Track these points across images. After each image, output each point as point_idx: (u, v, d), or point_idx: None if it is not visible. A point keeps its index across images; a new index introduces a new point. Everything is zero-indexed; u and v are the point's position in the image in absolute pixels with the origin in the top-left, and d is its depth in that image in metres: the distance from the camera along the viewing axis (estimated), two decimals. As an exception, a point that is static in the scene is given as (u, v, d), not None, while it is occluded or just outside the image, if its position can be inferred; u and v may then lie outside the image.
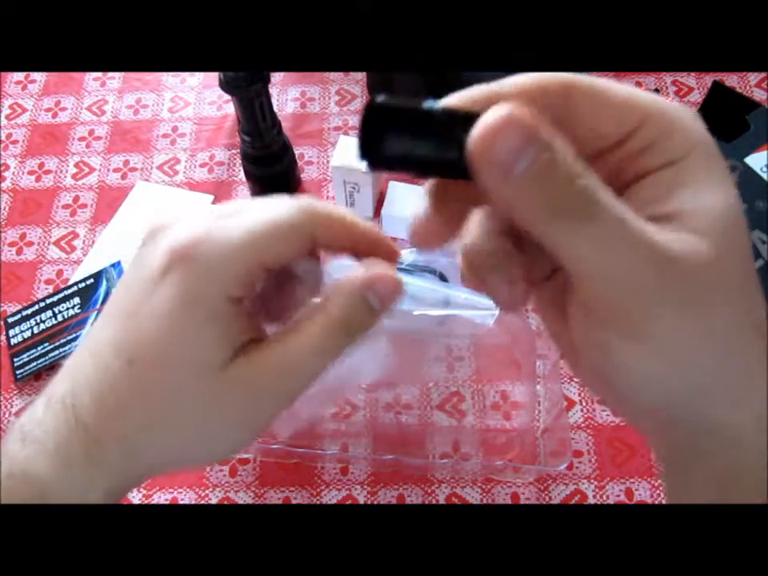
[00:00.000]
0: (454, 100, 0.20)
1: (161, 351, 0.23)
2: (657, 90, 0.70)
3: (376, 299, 0.23)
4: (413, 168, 0.19)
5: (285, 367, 0.24)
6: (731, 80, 0.72)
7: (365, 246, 0.25)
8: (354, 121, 0.71)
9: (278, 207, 0.24)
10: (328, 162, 0.68)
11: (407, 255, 0.57)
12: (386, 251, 0.25)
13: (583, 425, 0.54)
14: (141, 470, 0.25)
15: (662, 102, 0.20)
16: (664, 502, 0.51)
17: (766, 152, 0.54)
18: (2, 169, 0.70)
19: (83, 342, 0.25)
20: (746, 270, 0.20)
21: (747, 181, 0.53)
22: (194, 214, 0.25)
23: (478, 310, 0.51)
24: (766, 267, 0.50)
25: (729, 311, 0.19)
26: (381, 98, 0.18)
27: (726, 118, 0.58)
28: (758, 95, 0.70)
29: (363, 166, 0.19)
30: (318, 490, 0.53)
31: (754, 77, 0.72)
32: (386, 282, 0.24)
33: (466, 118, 0.18)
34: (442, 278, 0.55)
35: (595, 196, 0.18)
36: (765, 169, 0.53)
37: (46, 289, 0.63)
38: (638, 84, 0.69)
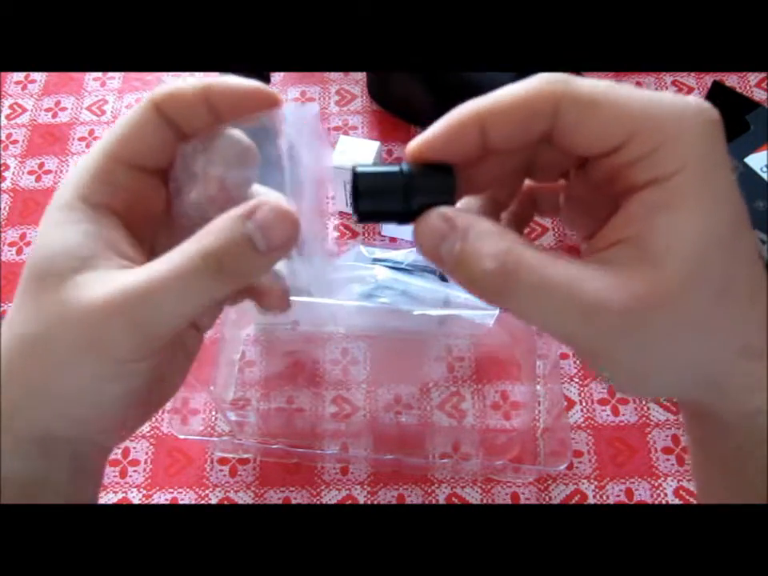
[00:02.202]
0: (419, 147, 0.22)
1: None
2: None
3: (259, 234, 0.20)
4: (388, 219, 0.22)
5: (134, 294, 0.20)
6: (731, 80, 0.72)
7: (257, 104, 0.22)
8: (354, 120, 0.71)
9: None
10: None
11: (408, 255, 0.57)
12: (270, 99, 0.23)
13: (583, 425, 0.54)
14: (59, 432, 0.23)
15: (660, 111, 0.19)
16: (664, 502, 0.51)
17: (765, 152, 0.54)
18: (1, 169, 0.70)
19: None
20: (722, 296, 0.19)
21: (747, 181, 0.53)
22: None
23: (478, 310, 0.51)
24: (765, 266, 0.50)
25: (689, 347, 0.20)
26: (359, 168, 0.22)
27: (726, 118, 0.58)
28: (758, 95, 0.70)
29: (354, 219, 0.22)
30: (318, 490, 0.53)
31: (753, 77, 0.72)
32: (272, 212, 0.20)
33: (425, 173, 0.22)
34: (442, 278, 0.55)
35: (509, 271, 0.19)
36: (765, 169, 0.53)
37: (46, 289, 0.63)
38: (638, 84, 0.69)
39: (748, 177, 0.53)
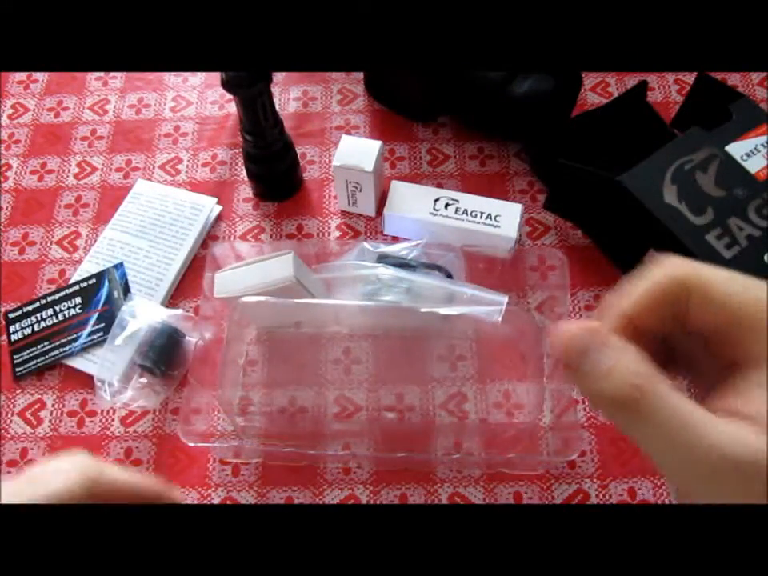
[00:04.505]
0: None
1: None
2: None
3: None
4: None
5: None
6: (733, 78, 0.72)
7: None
8: (356, 120, 0.71)
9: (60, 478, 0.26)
10: (330, 161, 0.68)
11: (412, 250, 0.57)
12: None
13: (586, 424, 0.54)
14: None
15: (756, 305, 0.21)
16: (667, 501, 0.51)
17: (745, 141, 0.55)
18: (4, 168, 0.70)
19: None
20: None
21: (727, 169, 0.54)
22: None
23: (484, 306, 0.51)
24: (742, 254, 0.51)
25: None
26: None
27: (709, 108, 0.59)
28: (760, 94, 0.70)
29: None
30: (321, 489, 0.53)
31: (756, 76, 0.72)
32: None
33: None
34: (448, 275, 0.55)
35: (650, 395, 0.21)
36: (745, 157, 0.55)
37: (48, 288, 0.63)
38: (641, 82, 0.69)
39: (728, 165, 0.54)
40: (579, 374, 0.22)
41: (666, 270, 0.23)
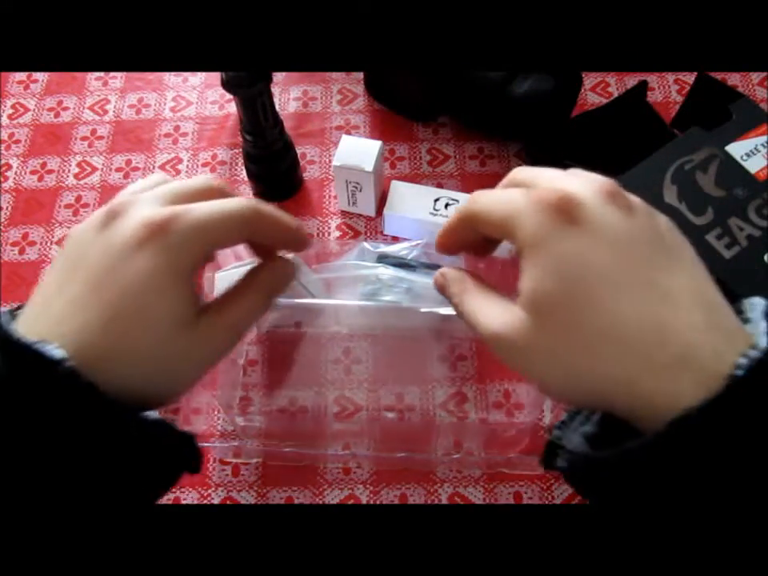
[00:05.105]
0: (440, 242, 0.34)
1: (143, 306, 0.27)
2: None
3: (286, 277, 0.34)
4: None
5: (234, 326, 0.31)
6: (733, 78, 0.72)
7: (289, 244, 0.33)
8: (356, 120, 0.71)
9: (233, 201, 0.30)
10: (330, 161, 0.68)
11: (412, 249, 0.57)
12: (301, 244, 0.33)
13: (586, 424, 0.54)
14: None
15: (517, 215, 0.28)
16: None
17: (745, 141, 0.55)
18: (4, 168, 0.70)
19: (46, 293, 0.29)
20: (569, 331, 0.26)
21: (727, 169, 0.54)
22: (151, 196, 0.30)
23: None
24: (742, 254, 0.51)
25: (556, 367, 0.27)
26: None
27: (710, 108, 0.59)
28: (760, 94, 0.70)
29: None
30: (321, 489, 0.53)
31: (756, 76, 0.72)
32: (290, 265, 0.34)
33: None
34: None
35: (461, 300, 0.31)
36: (745, 157, 0.55)
37: (49, 288, 0.63)
38: (641, 82, 0.69)
39: (728, 165, 0.54)
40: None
41: (463, 207, 0.32)
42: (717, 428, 0.22)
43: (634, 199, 0.28)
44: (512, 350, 0.28)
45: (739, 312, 0.26)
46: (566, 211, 0.26)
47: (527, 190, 0.28)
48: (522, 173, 0.31)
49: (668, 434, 0.23)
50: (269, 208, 0.31)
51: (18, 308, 0.30)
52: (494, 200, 0.30)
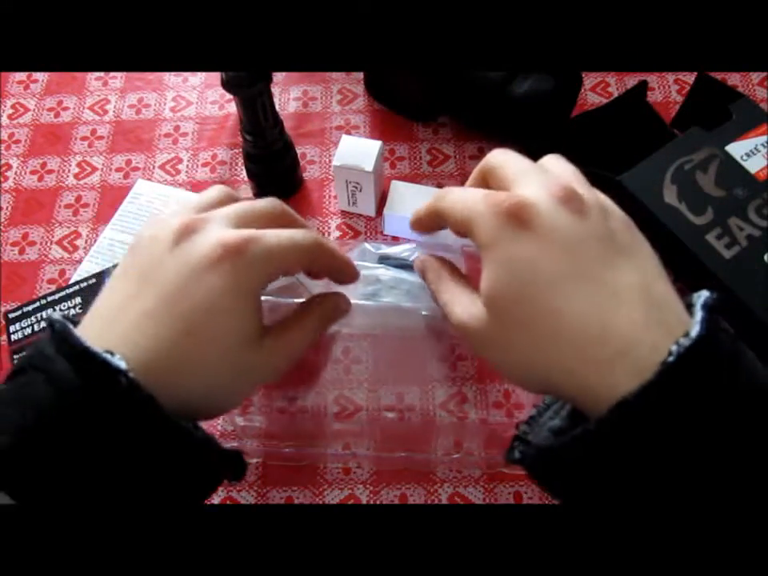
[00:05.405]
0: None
1: (213, 323, 0.29)
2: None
3: (339, 310, 0.38)
4: None
5: (292, 349, 0.33)
6: (733, 78, 0.72)
7: (340, 276, 0.37)
8: (357, 120, 0.71)
9: (301, 233, 0.32)
10: (330, 161, 0.68)
11: (414, 251, 0.57)
12: (351, 277, 0.38)
13: (585, 424, 0.54)
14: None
15: (476, 217, 0.30)
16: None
17: (745, 141, 0.55)
18: (4, 168, 0.70)
19: (114, 303, 0.30)
20: (523, 328, 0.28)
21: (727, 169, 0.54)
22: (222, 216, 0.32)
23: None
24: (742, 254, 0.51)
25: (511, 358, 0.30)
26: None
27: (709, 108, 0.59)
28: (760, 94, 0.70)
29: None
30: (321, 489, 0.53)
31: (756, 76, 0.72)
32: (345, 299, 0.39)
33: None
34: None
35: (438, 288, 0.35)
36: (744, 157, 0.55)
37: (49, 288, 0.63)
38: (641, 82, 0.69)
39: (728, 165, 0.54)
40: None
41: (431, 201, 0.34)
42: (651, 411, 0.24)
43: (589, 199, 0.29)
44: (475, 339, 0.30)
45: (690, 306, 0.27)
46: (518, 216, 0.28)
47: (486, 193, 0.30)
48: (491, 161, 0.33)
49: (608, 420, 0.24)
50: (329, 242, 0.34)
51: (72, 315, 0.31)
52: (456, 200, 0.32)
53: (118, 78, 0.76)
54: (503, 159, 0.32)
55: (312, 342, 0.35)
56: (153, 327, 0.28)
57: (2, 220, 0.67)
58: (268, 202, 0.34)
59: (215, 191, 0.34)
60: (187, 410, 0.28)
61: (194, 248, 0.29)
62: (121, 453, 0.26)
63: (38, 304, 0.61)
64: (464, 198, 0.31)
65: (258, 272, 0.30)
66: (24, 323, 0.60)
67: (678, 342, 0.24)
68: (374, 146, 0.60)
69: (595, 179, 0.55)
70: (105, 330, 0.29)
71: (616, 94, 0.71)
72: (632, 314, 0.26)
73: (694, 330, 0.24)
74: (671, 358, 0.24)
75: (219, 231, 0.30)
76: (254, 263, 0.29)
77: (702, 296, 0.27)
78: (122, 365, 0.26)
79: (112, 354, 0.26)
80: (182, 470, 0.28)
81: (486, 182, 0.33)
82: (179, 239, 0.30)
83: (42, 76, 0.77)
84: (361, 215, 0.65)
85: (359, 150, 0.60)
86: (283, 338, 0.33)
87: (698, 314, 0.26)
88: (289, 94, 0.74)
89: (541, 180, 0.30)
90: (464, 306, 0.31)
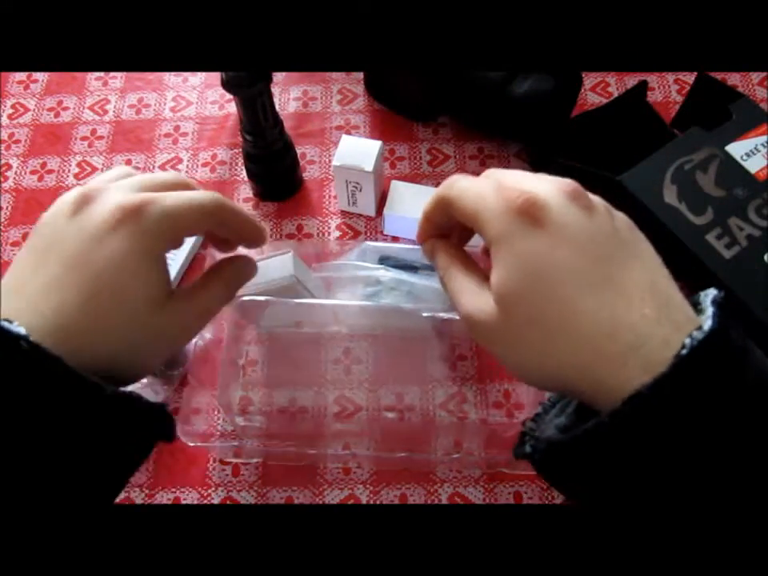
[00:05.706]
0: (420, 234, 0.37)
1: (118, 286, 0.29)
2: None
3: (245, 272, 0.37)
4: None
5: (201, 309, 0.34)
6: (733, 78, 0.72)
7: (247, 237, 0.36)
8: (356, 120, 0.71)
9: (200, 193, 0.32)
10: (330, 161, 0.68)
11: (412, 252, 0.57)
12: (258, 238, 0.36)
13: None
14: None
15: (486, 211, 0.30)
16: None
17: (745, 141, 0.55)
18: (4, 168, 0.70)
19: (19, 275, 0.30)
20: (532, 323, 0.28)
21: (727, 169, 0.54)
22: (121, 185, 0.32)
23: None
24: (742, 254, 0.51)
25: (512, 351, 0.30)
26: None
27: (710, 108, 0.59)
28: (760, 94, 0.70)
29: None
30: (321, 489, 0.53)
31: (756, 75, 0.72)
32: (251, 263, 0.37)
33: None
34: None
35: (446, 277, 0.34)
36: (745, 157, 0.55)
37: (49, 288, 0.63)
38: (641, 82, 0.69)
39: (728, 165, 0.54)
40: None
41: (439, 190, 0.33)
42: (665, 404, 0.24)
43: (595, 199, 0.30)
44: (483, 333, 0.30)
45: (696, 305, 0.28)
46: (530, 213, 0.28)
47: (497, 187, 0.30)
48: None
49: (621, 412, 0.24)
50: (232, 202, 0.33)
51: None
52: (467, 188, 0.32)
53: (117, 78, 0.76)
54: (502, 171, 0.33)
55: (222, 304, 0.35)
56: (58, 294, 0.28)
57: (2, 220, 0.67)
58: (169, 173, 0.34)
59: (116, 170, 0.35)
60: (104, 373, 0.28)
61: (93, 214, 0.30)
62: (34, 418, 0.25)
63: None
64: (474, 188, 0.31)
65: (158, 233, 0.30)
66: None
67: (692, 335, 0.25)
68: (374, 146, 0.60)
69: (595, 179, 0.55)
70: (10, 302, 0.29)
71: (616, 94, 0.71)
72: (643, 310, 0.26)
73: (707, 324, 0.25)
74: (685, 351, 0.24)
75: (118, 196, 0.30)
76: (154, 224, 0.30)
77: (711, 293, 0.27)
78: (21, 330, 0.26)
79: (10, 322, 0.26)
80: (102, 430, 0.28)
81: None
82: (78, 208, 0.30)
83: (42, 76, 0.77)
84: (361, 215, 0.65)
85: (359, 150, 0.60)
86: (191, 299, 0.33)
87: (709, 309, 0.26)
88: (289, 94, 0.74)
89: (547, 180, 0.30)
90: (473, 297, 0.31)
